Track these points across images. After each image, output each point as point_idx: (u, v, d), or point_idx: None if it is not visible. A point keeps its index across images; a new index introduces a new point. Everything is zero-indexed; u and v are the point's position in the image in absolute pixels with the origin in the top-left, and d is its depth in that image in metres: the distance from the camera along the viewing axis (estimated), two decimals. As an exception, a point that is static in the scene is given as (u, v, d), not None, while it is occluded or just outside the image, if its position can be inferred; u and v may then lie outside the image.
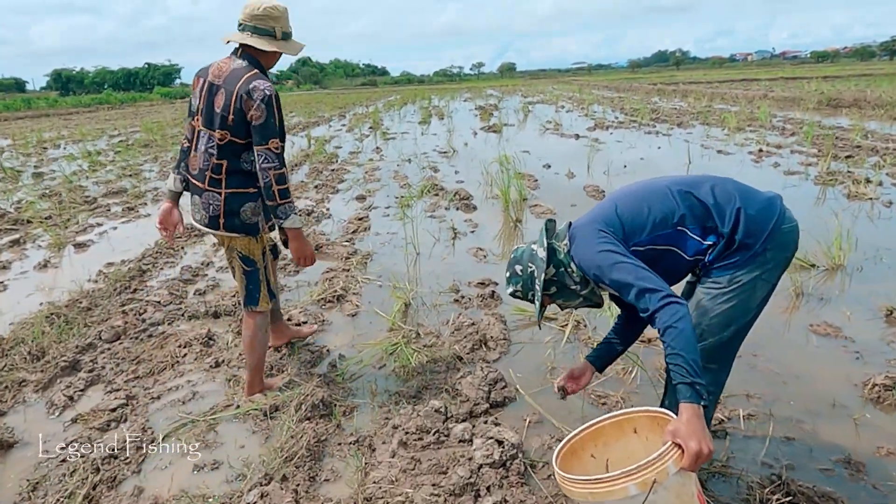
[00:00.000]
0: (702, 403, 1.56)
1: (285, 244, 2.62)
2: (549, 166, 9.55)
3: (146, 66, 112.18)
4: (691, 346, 1.61)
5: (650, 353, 3.23)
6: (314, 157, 11.81)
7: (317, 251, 5.37)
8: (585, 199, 7.08)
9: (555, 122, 16.93)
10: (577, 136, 13.49)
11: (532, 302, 2.18)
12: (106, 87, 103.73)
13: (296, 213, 2.50)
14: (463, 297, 4.08)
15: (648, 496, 1.43)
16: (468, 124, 18.08)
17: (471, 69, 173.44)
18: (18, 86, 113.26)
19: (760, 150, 9.83)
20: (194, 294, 4.43)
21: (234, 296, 4.19)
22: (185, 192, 2.73)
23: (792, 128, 12.82)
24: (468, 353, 3.26)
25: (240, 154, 2.47)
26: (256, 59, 2.51)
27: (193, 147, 2.55)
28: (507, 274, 2.15)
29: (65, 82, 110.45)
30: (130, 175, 10.81)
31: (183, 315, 3.98)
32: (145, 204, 8.10)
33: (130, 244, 5.93)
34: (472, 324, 3.56)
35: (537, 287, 2.13)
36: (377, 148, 13.09)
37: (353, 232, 6.03)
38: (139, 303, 4.21)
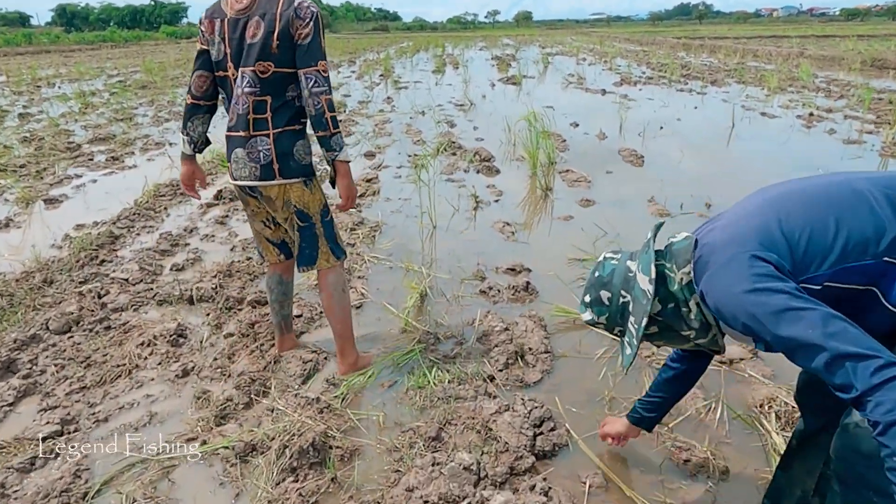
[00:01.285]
0: None
1: (332, 183, 2.26)
2: (577, 125, 8.68)
3: (153, 3, 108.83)
4: None
5: (732, 379, 2.53)
6: (320, 106, 10.93)
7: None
8: (623, 166, 6.28)
9: (578, 76, 15.86)
10: (604, 92, 12.51)
11: (616, 337, 1.56)
12: (111, 24, 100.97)
13: (346, 146, 2.21)
14: (490, 288, 3.37)
15: None
16: (485, 75, 17.00)
17: (486, 17, 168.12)
18: (22, 20, 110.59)
19: (811, 115, 8.90)
20: (170, 270, 3.74)
21: (214, 276, 3.49)
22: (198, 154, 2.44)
23: (839, 90, 11.78)
24: (501, 371, 2.57)
25: (286, 86, 2.14)
26: None
27: (230, 98, 2.19)
28: (588, 298, 1.55)
29: (69, 18, 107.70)
30: (122, 119, 10.02)
31: (153, 299, 3.30)
32: (132, 153, 7.35)
33: (108, 202, 5.22)
34: (505, 328, 2.86)
35: (632, 327, 1.46)
36: (388, 98, 12.17)
37: (361, 196, 5.29)
38: (103, 280, 3.52)
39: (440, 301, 3.29)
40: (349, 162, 2.23)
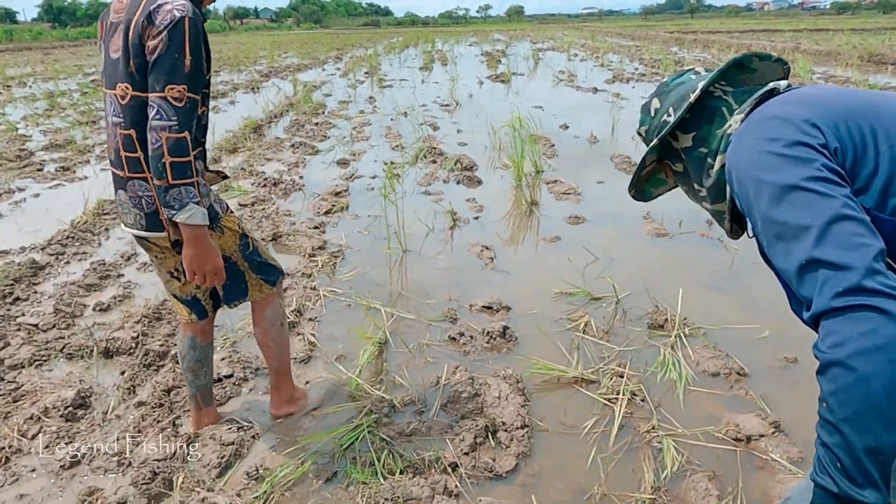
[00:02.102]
0: None
1: (176, 248, 1.79)
2: (567, 127, 8.19)
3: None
4: (868, 424, 0.74)
5: (752, 466, 2.05)
6: (298, 107, 10.40)
7: (275, 241, 4.14)
8: (615, 175, 5.79)
9: (569, 73, 15.35)
10: (595, 90, 12.02)
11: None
12: (98, 19, 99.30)
13: (197, 203, 1.64)
14: (462, 333, 2.88)
15: None
16: (474, 72, 16.47)
17: (477, 12, 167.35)
18: (9, 16, 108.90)
19: (813, 115, 8.44)
20: (93, 310, 3.23)
21: (139, 320, 2.98)
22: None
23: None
24: (467, 455, 2.08)
25: (145, 116, 1.65)
26: None
27: (106, 122, 1.77)
28: (644, 102, 1.37)
29: (56, 14, 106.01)
30: (86, 123, 9.45)
31: (62, 352, 2.79)
32: (87, 162, 6.80)
33: (44, 221, 4.68)
34: (475, 393, 2.37)
35: (655, 141, 1.26)
36: (370, 97, 11.64)
37: (326, 213, 4.78)
38: (7, 327, 3.00)
39: (401, 352, 2.79)
40: (199, 227, 1.66)
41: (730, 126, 1.15)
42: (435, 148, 6.84)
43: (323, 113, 9.96)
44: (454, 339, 2.86)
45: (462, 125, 8.63)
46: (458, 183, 5.62)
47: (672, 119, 1.23)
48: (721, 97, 1.20)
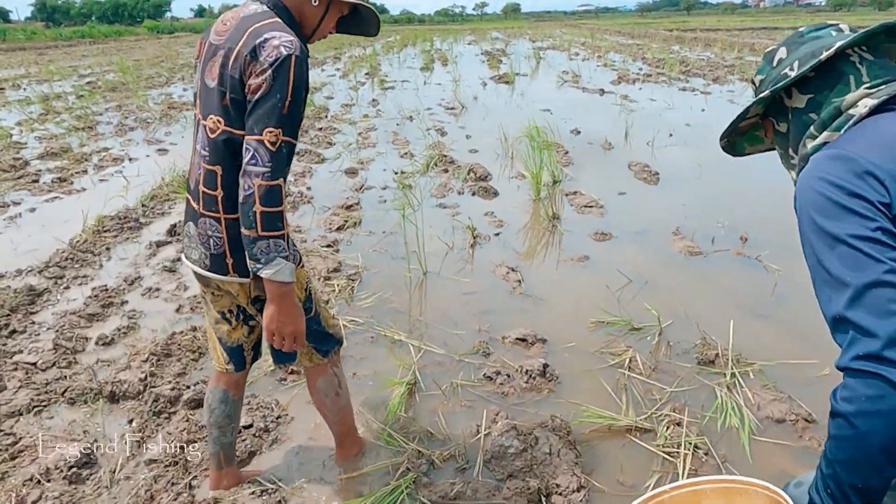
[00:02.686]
0: None
1: (257, 306, 1.66)
2: (579, 132, 7.97)
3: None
4: (858, 469, 0.88)
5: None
6: (300, 111, 10.14)
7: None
8: (636, 185, 5.58)
9: (573, 73, 15.14)
10: (602, 92, 11.81)
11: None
12: (92, 18, 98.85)
13: (285, 258, 1.48)
14: (497, 372, 2.66)
15: None
16: (476, 72, 16.23)
17: (473, 9, 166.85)
18: (2, 15, 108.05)
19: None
20: (95, 345, 2.99)
21: (146, 359, 2.75)
22: None
23: (850, 88, 11.14)
24: (521, 524, 1.86)
25: (238, 155, 1.51)
26: (286, 7, 1.57)
27: (194, 147, 1.64)
28: (769, 49, 1.27)
29: (50, 13, 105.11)
30: (83, 128, 9.19)
31: (63, 395, 2.56)
32: (85, 172, 6.55)
33: (41, 239, 4.44)
34: (522, 449, 2.14)
35: (767, 93, 1.18)
36: (374, 100, 11.39)
37: (339, 229, 4.55)
38: (3, 365, 2.77)
39: (434, 394, 2.57)
40: (286, 284, 1.48)
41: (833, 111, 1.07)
42: (445, 155, 6.61)
43: (326, 117, 9.72)
44: (490, 378, 2.64)
45: (470, 129, 8.40)
46: (473, 194, 5.39)
47: (793, 73, 1.14)
48: (855, 64, 1.09)
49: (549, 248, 4.19)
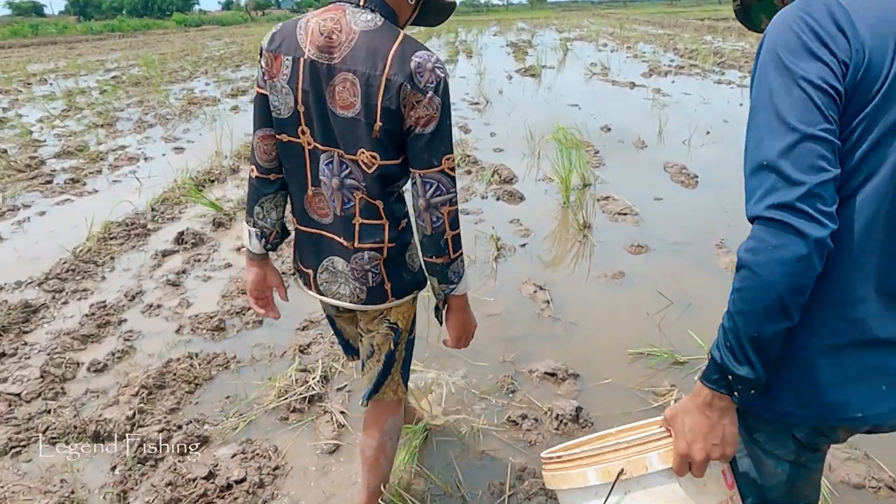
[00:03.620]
0: (721, 392, 0.94)
1: (438, 319, 1.62)
2: (609, 129, 7.57)
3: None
4: (756, 319, 0.89)
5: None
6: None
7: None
8: (673, 189, 5.20)
9: (601, 66, 14.64)
10: (633, 85, 11.34)
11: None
12: (123, 12, 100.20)
13: (465, 271, 1.55)
14: (524, 415, 2.35)
15: (611, 493, 1.00)
16: (501, 65, 15.83)
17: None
18: (36, 9, 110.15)
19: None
20: (87, 370, 2.77)
21: (137, 392, 2.50)
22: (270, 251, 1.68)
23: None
24: None
25: (393, 182, 1.46)
26: (393, 11, 1.42)
27: (308, 179, 1.50)
28: None
29: (83, 6, 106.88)
30: (103, 125, 9.08)
31: (44, 433, 2.33)
32: (99, 172, 6.38)
33: (46, 247, 4.25)
34: (553, 518, 1.84)
35: None
36: (396, 95, 11.09)
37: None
38: (-15, 397, 2.56)
39: (451, 440, 2.27)
40: (465, 296, 1.56)
41: None
42: (469, 155, 6.29)
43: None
44: (515, 422, 2.33)
45: (495, 126, 8.05)
46: (497, 199, 5.07)
47: None
48: None
49: (579, 263, 3.86)
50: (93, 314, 3.23)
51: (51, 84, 15.22)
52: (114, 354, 2.87)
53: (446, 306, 1.55)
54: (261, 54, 1.44)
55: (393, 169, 1.41)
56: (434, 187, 1.38)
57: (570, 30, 33.26)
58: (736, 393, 0.94)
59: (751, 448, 1.08)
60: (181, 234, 4.27)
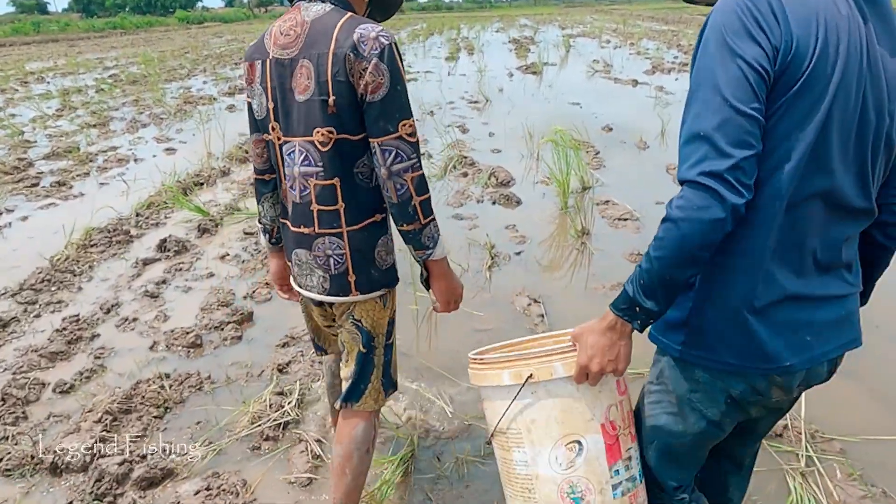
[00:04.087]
0: (625, 319, 1.10)
1: (425, 284, 1.63)
2: (611, 129, 7.39)
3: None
4: (671, 264, 1.03)
5: None
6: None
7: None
8: (674, 191, 4.98)
9: (604, 63, 14.43)
10: (636, 83, 11.13)
11: None
12: (126, 9, 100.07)
13: (440, 235, 1.55)
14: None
15: (520, 393, 1.19)
16: (502, 62, 15.62)
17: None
18: (40, 7, 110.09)
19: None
20: (52, 391, 2.61)
21: (100, 418, 2.34)
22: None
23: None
24: None
25: (355, 160, 1.47)
26: (347, 1, 1.50)
27: (282, 173, 1.57)
28: None
29: (86, 3, 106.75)
30: (96, 125, 8.93)
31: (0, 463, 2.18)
32: (87, 175, 6.23)
33: (25, 255, 4.11)
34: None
35: None
36: (394, 93, 10.89)
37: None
38: (-60, 422, 2.40)
39: (428, 476, 2.11)
40: (445, 259, 1.58)
41: None
42: (466, 157, 6.12)
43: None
44: (503, 452, 2.17)
45: (493, 126, 7.88)
46: (493, 203, 4.90)
47: None
48: None
49: (577, 273, 3.69)
50: (64, 329, 3.08)
51: (48, 82, 15.09)
52: (82, 374, 2.72)
53: (431, 276, 1.58)
54: (242, 65, 1.55)
55: (349, 144, 1.44)
56: (393, 154, 1.40)
57: (574, 26, 32.96)
58: (638, 321, 1.09)
59: (681, 406, 1.19)
60: (163, 241, 4.11)
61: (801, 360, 1.08)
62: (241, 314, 3.16)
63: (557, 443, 1.20)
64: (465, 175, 5.64)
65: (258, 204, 1.71)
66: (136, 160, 6.82)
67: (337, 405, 1.70)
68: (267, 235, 1.76)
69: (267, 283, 3.51)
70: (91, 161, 6.78)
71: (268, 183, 1.67)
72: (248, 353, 2.89)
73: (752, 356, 1.08)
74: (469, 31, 30.49)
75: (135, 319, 3.21)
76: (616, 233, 4.20)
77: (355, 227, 1.50)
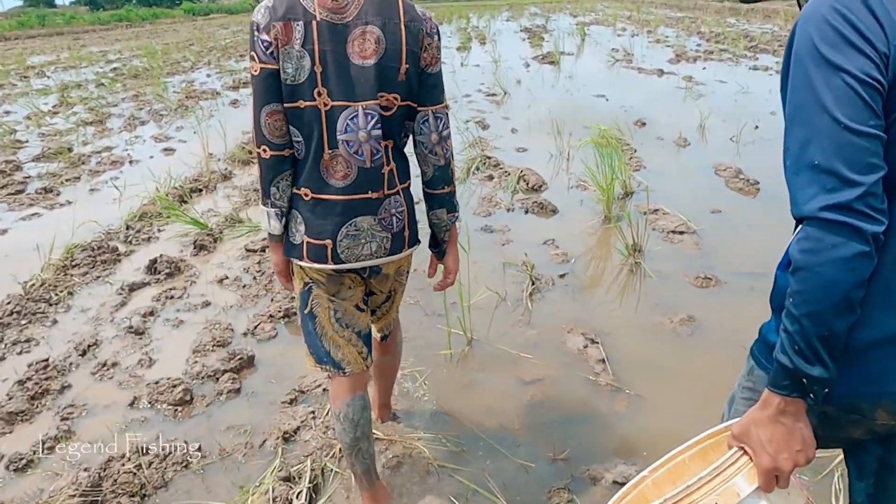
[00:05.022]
0: (794, 396, 0.92)
1: (439, 255, 1.80)
2: (644, 124, 6.80)
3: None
4: (824, 319, 0.87)
5: None
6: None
7: (287, 319, 2.98)
8: (731, 198, 4.46)
9: (624, 51, 13.77)
10: (661, 73, 10.51)
11: None
12: (133, 1, 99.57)
13: None
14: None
15: None
16: (516, 51, 14.99)
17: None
18: (47, 1, 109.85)
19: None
20: (5, 468, 2.10)
21: (80, 479, 1.83)
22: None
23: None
24: None
25: (403, 126, 1.59)
26: None
27: (325, 142, 1.50)
28: None
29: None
30: (93, 122, 8.44)
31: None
32: (77, 179, 5.72)
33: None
34: None
35: None
36: (406, 86, 10.31)
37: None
38: None
39: None
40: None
41: None
42: (490, 157, 5.57)
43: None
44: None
45: (515, 121, 7.31)
46: (526, 212, 4.35)
47: None
48: None
49: (634, 302, 3.14)
50: (29, 379, 2.56)
51: (48, 77, 14.62)
52: (44, 443, 2.21)
53: (448, 239, 1.74)
54: (258, 29, 1.43)
55: (406, 110, 1.54)
56: (443, 121, 1.59)
57: (585, 13, 32.11)
58: (811, 395, 0.92)
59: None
60: (154, 262, 3.59)
61: None
62: (241, 359, 2.64)
63: None
64: (491, 178, 5.09)
65: (271, 185, 1.54)
66: (131, 162, 6.30)
67: (379, 338, 1.91)
68: (283, 219, 1.59)
69: (271, 316, 3.00)
70: (83, 163, 6.27)
71: (286, 159, 1.53)
72: (248, 411, 2.37)
73: (864, 384, 0.96)
74: (478, 21, 29.74)
75: (114, 365, 2.70)
76: (673, 249, 3.64)
77: (405, 186, 1.63)
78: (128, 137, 7.45)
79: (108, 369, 2.67)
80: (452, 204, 1.67)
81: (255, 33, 1.43)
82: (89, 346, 2.85)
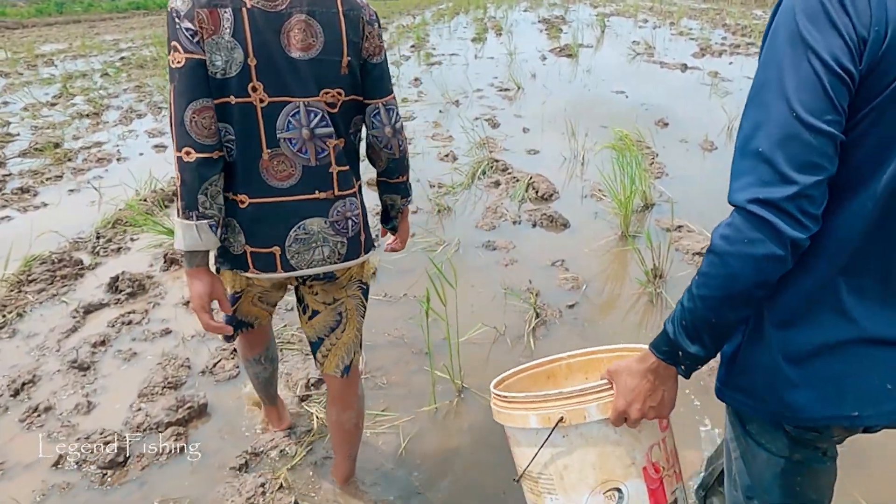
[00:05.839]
0: (668, 363, 0.95)
1: (392, 230, 1.79)
2: (666, 124, 6.32)
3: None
4: (716, 306, 0.88)
5: None
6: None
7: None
8: (764, 213, 3.98)
9: (645, 44, 13.20)
10: (685, 67, 9.98)
11: None
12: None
13: None
14: None
15: (550, 437, 1.04)
16: (533, 43, 14.46)
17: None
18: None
19: None
20: None
21: None
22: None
23: None
24: None
25: (351, 121, 1.53)
26: None
27: (262, 141, 1.40)
28: None
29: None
30: (88, 115, 8.14)
31: None
32: (59, 177, 5.39)
33: (-53, 293, 3.26)
34: None
35: None
36: (416, 79, 9.87)
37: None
38: None
39: None
40: None
41: None
42: (497, 160, 5.14)
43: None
44: None
45: (528, 120, 6.86)
46: (534, 225, 3.92)
47: None
48: None
49: (649, 325, 2.71)
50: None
51: (56, 66, 14.42)
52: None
53: (401, 218, 1.74)
54: (178, 17, 1.31)
55: (353, 105, 1.49)
56: (395, 112, 1.55)
57: (606, 4, 31.31)
58: (682, 367, 0.95)
59: (743, 442, 1.04)
60: (115, 279, 3.23)
61: (870, 414, 0.90)
62: (190, 408, 2.26)
63: (594, 490, 1.05)
64: (497, 184, 4.66)
65: (199, 194, 1.35)
66: (118, 159, 5.96)
67: (338, 374, 1.67)
68: (215, 229, 1.39)
69: (234, 350, 2.62)
70: (69, 160, 5.95)
71: (216, 162, 1.38)
72: (189, 479, 1.99)
73: (812, 405, 0.92)
74: (496, 11, 29.10)
75: (48, 409, 2.33)
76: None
77: (358, 187, 1.55)
78: (122, 132, 7.12)
79: (39, 415, 2.31)
80: (407, 190, 1.70)
81: (176, 21, 1.31)
82: (25, 384, 2.49)
